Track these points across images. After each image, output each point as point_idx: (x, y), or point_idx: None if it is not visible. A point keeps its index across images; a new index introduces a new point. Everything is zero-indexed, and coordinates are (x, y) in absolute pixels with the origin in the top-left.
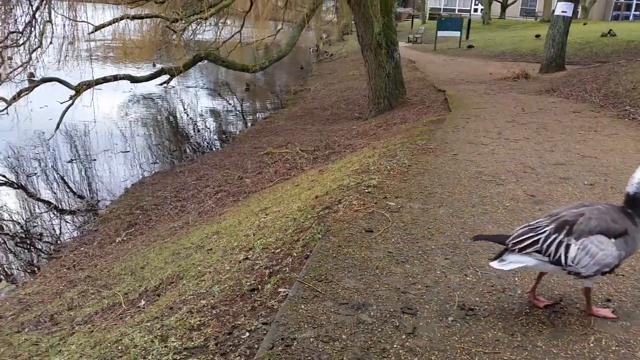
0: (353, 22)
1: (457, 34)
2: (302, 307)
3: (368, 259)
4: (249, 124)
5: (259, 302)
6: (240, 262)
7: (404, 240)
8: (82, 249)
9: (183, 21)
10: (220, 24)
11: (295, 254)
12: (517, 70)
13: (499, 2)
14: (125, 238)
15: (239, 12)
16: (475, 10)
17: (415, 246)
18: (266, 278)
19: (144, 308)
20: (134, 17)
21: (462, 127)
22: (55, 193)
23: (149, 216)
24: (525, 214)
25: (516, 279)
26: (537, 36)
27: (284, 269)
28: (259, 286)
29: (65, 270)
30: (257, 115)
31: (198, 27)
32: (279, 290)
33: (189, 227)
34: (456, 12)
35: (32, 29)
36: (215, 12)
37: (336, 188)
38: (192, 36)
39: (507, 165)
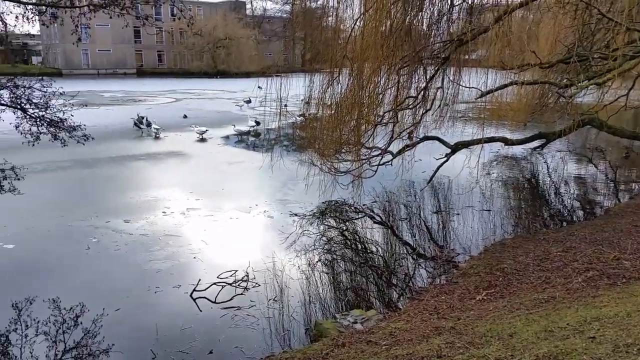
0: None
1: None
2: None
3: None
4: (627, 197)
5: None
6: None
7: None
8: (443, 297)
9: (575, 87)
10: (605, 86)
11: None
12: None
13: None
14: (485, 297)
15: (631, 74)
16: None
17: None
18: None
19: None
20: (523, 83)
21: None
22: (417, 239)
23: (509, 280)
24: None
25: None
26: None
27: None
28: None
29: (428, 314)
30: (638, 188)
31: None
32: None
33: (556, 302)
34: None
35: (425, 94)
36: (613, 77)
37: None
38: (569, 99)
39: None
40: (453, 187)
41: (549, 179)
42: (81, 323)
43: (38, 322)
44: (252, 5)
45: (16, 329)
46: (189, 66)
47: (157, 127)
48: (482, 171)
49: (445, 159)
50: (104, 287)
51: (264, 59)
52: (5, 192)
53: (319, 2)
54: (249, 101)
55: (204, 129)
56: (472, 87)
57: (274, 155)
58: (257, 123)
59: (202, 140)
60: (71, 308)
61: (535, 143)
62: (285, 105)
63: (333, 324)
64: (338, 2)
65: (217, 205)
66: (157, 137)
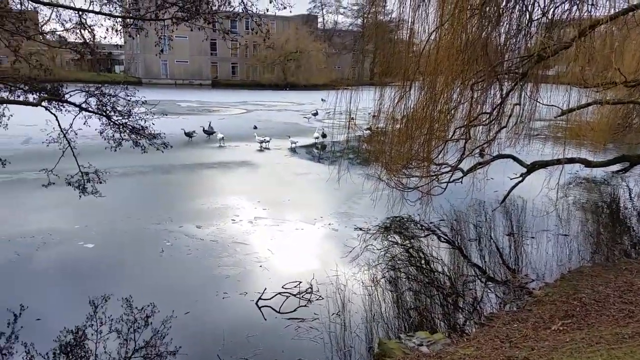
0: None
1: None
2: None
3: None
4: None
5: None
6: None
7: None
8: (515, 325)
9: None
10: None
11: None
12: None
13: None
14: (561, 328)
15: None
16: None
17: None
18: None
19: None
20: (608, 103)
21: None
22: (487, 261)
23: (587, 311)
24: None
25: None
26: None
27: None
28: None
29: (499, 342)
30: None
31: None
32: None
33: None
34: None
35: (500, 110)
36: None
37: None
38: None
39: None
40: (527, 208)
41: (631, 204)
42: (152, 323)
43: (112, 319)
44: (323, 18)
45: (92, 324)
46: (260, 78)
47: (221, 135)
48: (559, 193)
49: (520, 178)
50: (175, 290)
51: (333, 71)
52: (88, 194)
53: (392, 16)
54: (316, 113)
55: (266, 138)
56: (552, 105)
57: (340, 168)
58: (324, 135)
59: (265, 149)
60: (143, 308)
61: (618, 166)
62: (353, 118)
63: (397, 344)
64: (412, 17)
65: (283, 215)
66: (221, 146)
